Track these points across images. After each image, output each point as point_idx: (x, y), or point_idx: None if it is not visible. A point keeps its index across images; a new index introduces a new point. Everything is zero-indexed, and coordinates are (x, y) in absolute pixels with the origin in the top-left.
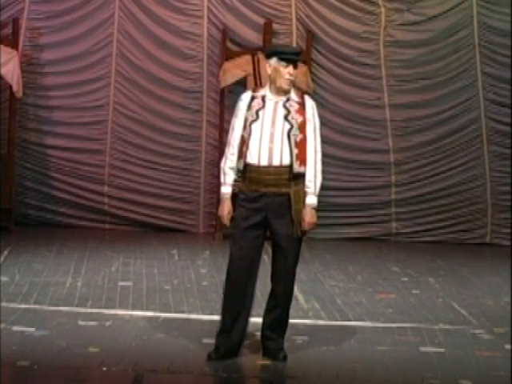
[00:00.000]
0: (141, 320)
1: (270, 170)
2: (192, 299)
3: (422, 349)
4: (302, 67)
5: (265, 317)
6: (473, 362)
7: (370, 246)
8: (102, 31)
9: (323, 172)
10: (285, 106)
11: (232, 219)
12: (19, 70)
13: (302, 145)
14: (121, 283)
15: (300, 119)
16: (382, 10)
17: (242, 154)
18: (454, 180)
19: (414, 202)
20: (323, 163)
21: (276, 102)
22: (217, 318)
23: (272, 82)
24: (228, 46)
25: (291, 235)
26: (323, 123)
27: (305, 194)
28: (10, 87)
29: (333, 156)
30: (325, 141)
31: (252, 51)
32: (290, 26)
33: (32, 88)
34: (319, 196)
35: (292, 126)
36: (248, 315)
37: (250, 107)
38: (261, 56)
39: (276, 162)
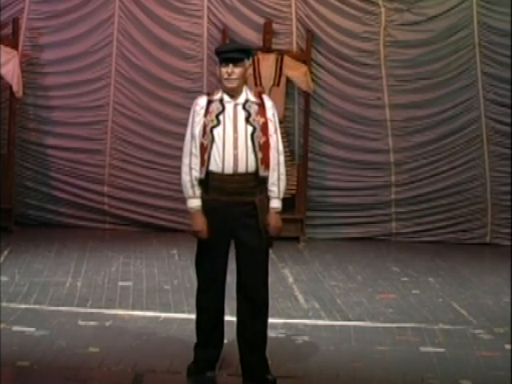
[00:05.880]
0: (141, 320)
1: (235, 178)
2: (192, 299)
3: (422, 349)
4: (302, 67)
5: (239, 337)
6: (473, 362)
7: (370, 246)
8: (102, 31)
9: (323, 172)
10: (245, 108)
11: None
12: (19, 70)
13: (265, 147)
14: (121, 283)
15: (261, 120)
16: (382, 9)
17: (203, 161)
18: (454, 180)
19: (414, 202)
20: (323, 163)
21: (235, 105)
22: None
23: (220, 83)
24: None
25: (259, 246)
26: (323, 123)
27: (268, 199)
28: (10, 87)
29: (333, 156)
30: (325, 141)
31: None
32: (290, 26)
33: (32, 88)
34: (319, 196)
35: (255, 128)
36: (223, 327)
37: (207, 112)
38: (261, 56)
39: (241, 170)
